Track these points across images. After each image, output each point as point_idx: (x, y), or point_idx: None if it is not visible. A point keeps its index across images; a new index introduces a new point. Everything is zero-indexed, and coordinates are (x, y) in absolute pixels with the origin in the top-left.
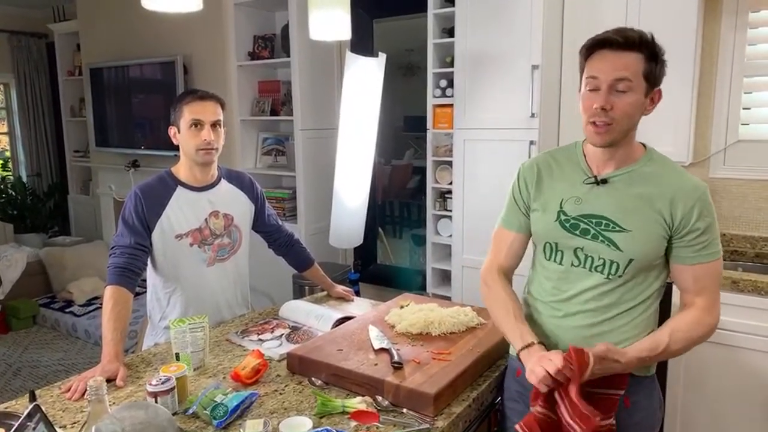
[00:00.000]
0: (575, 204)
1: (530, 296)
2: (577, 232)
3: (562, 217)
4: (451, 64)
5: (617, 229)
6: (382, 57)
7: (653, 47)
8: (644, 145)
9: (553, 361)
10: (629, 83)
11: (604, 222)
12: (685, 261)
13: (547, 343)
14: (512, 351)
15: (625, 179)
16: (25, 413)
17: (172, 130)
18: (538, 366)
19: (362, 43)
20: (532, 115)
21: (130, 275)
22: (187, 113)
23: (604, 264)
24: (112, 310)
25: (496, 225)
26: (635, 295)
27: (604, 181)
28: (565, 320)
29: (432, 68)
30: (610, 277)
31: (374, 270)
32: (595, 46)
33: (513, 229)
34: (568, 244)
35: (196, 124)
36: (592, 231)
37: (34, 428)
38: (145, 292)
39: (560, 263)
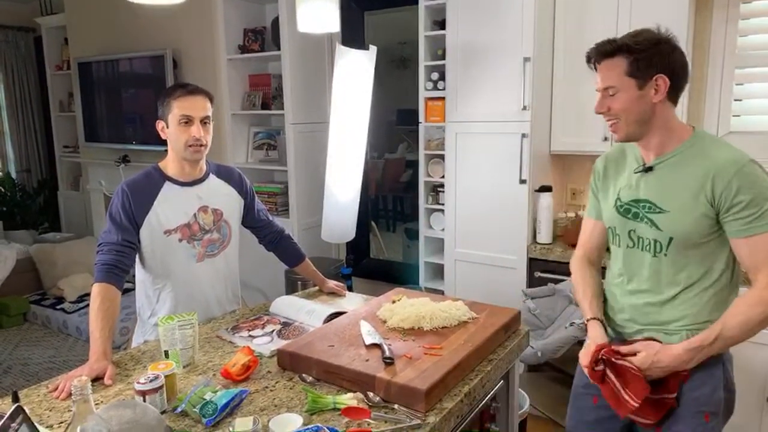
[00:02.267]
0: (628, 191)
1: (606, 282)
2: (629, 216)
3: (618, 204)
4: (443, 57)
5: (657, 210)
6: (373, 50)
7: (628, 48)
8: (694, 128)
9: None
10: (613, 88)
11: (648, 205)
12: (737, 234)
13: (623, 322)
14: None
15: (668, 164)
16: (7, 415)
17: (160, 125)
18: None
19: (354, 35)
20: (524, 108)
21: (118, 272)
22: (176, 108)
23: (650, 243)
24: (99, 308)
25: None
26: (690, 274)
27: (650, 169)
28: (632, 298)
29: (423, 61)
30: (657, 254)
31: (367, 264)
32: (588, 61)
33: (593, 216)
34: (623, 228)
35: (186, 119)
36: (640, 214)
37: (16, 430)
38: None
39: (619, 246)
